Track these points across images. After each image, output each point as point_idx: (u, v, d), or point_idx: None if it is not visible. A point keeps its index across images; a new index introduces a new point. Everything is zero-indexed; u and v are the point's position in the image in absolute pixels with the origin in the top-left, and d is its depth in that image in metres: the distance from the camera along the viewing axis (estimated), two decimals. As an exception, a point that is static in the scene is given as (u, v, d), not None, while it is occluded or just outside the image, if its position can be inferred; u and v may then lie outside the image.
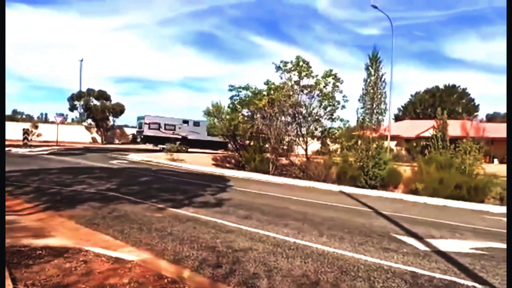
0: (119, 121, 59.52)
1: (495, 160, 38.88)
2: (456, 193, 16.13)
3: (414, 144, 40.47)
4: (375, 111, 20.02)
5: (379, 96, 20.04)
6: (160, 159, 27.04)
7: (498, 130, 40.07)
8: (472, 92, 68.81)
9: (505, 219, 12.27)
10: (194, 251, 5.95)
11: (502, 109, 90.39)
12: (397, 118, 64.69)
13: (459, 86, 67.68)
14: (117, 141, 57.93)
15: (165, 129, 40.67)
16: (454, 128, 31.50)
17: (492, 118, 67.75)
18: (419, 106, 65.82)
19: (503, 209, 14.19)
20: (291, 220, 9.03)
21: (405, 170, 20.16)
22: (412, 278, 5.29)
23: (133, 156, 28.82)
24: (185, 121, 42.20)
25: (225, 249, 6.14)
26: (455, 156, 19.11)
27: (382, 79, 20.27)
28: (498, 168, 23.78)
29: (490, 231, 9.81)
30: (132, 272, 4.78)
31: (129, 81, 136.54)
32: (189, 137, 41.47)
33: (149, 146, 41.53)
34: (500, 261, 6.47)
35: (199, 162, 25.73)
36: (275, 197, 13.42)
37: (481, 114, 66.39)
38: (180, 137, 40.39)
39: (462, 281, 5.29)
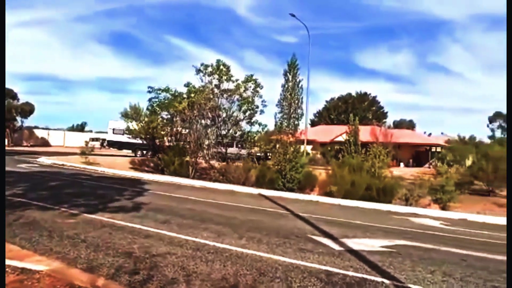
0: (29, 122, 55.80)
1: (401, 164, 41.77)
2: (367, 195, 17.09)
3: (329, 148, 42.27)
4: (292, 116, 20.67)
5: (296, 102, 20.73)
6: (74, 162, 25.64)
7: (404, 136, 43.16)
8: (381, 100, 73.55)
9: (411, 218, 13.23)
10: (109, 257, 5.70)
11: (407, 116, 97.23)
12: (313, 123, 67.22)
13: (369, 94, 72.01)
14: (25, 143, 54.11)
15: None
16: (365, 133, 33.45)
17: (399, 124, 72.88)
18: (334, 112, 68.98)
19: (409, 209, 15.29)
20: (211, 223, 8.99)
21: (321, 173, 21.00)
22: (327, 276, 5.49)
23: (44, 160, 27.05)
24: None
25: (143, 255, 5.96)
26: (366, 160, 20.26)
27: (299, 85, 21.02)
28: (404, 171, 25.62)
29: (397, 229, 10.51)
30: (41, 283, 4.45)
31: (39, 80, 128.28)
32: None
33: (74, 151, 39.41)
34: (405, 258, 6.94)
35: (116, 166, 24.77)
36: (195, 200, 13.30)
37: (389, 120, 71.12)
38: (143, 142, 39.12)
39: (372, 278, 5.58)
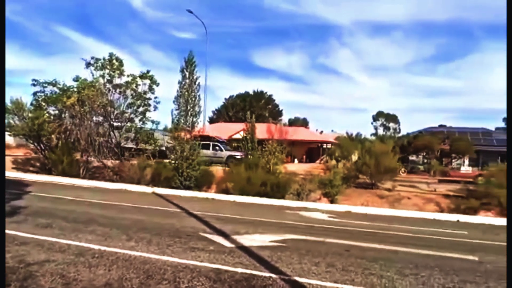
0: None
1: (295, 160, 43.56)
2: (262, 191, 17.52)
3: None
4: (189, 113, 20.43)
5: (194, 99, 20.53)
6: None
7: (298, 133, 44.99)
8: (277, 98, 76.02)
9: (301, 212, 13.81)
10: (-28, 271, 5.09)
11: (302, 114, 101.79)
12: (212, 121, 67.32)
13: (266, 93, 74.01)
14: None
15: None
16: (262, 131, 34.22)
17: (293, 122, 75.91)
18: (232, 110, 69.75)
19: (300, 204, 15.97)
20: (98, 226, 8.51)
21: (218, 170, 21.06)
22: (216, 275, 5.47)
23: None
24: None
25: (16, 264, 5.41)
26: (262, 157, 20.75)
27: (197, 82, 20.83)
28: (297, 167, 26.71)
29: (288, 224, 10.90)
30: None
31: None
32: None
33: None
34: (294, 251, 7.19)
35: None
36: (83, 202, 12.52)
37: (285, 118, 73.82)
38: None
39: (260, 273, 5.67)
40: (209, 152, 27.04)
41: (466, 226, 13.16)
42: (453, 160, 39.82)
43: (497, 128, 63.95)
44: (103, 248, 6.60)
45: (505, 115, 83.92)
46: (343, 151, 28.55)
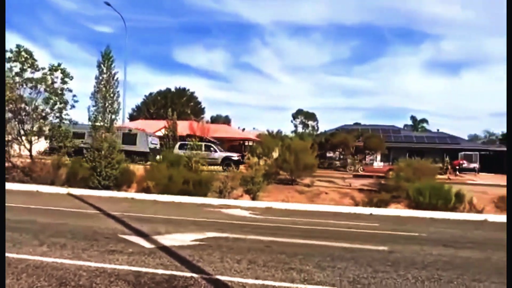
0: None
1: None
2: (185, 189, 17.31)
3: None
4: (108, 110, 19.60)
5: (112, 95, 19.72)
6: None
7: (220, 131, 45.10)
8: (199, 95, 75.53)
9: (223, 210, 13.87)
10: None
11: (224, 111, 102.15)
12: (132, 118, 65.30)
13: (188, 90, 73.26)
14: None
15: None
16: (184, 128, 33.85)
17: (215, 119, 75.95)
18: (153, 107, 68.18)
19: (222, 201, 16.05)
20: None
21: (138, 169, 20.48)
22: (136, 278, 5.30)
23: None
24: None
25: None
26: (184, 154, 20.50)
27: (115, 78, 20.01)
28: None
29: (209, 222, 10.88)
30: None
31: None
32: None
33: None
34: (215, 249, 7.18)
35: None
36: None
37: (207, 115, 73.56)
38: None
39: (182, 274, 5.59)
40: (203, 153, 23.69)
41: (378, 218, 14.00)
42: (367, 156, 42.10)
43: (405, 126, 68.80)
44: (11, 255, 6.11)
45: (412, 114, 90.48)
46: (264, 148, 29.05)
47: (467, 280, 5.94)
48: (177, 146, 27.79)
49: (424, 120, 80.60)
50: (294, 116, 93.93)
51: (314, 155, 23.30)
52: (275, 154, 27.48)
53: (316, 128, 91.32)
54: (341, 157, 42.98)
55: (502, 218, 14.59)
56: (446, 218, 14.60)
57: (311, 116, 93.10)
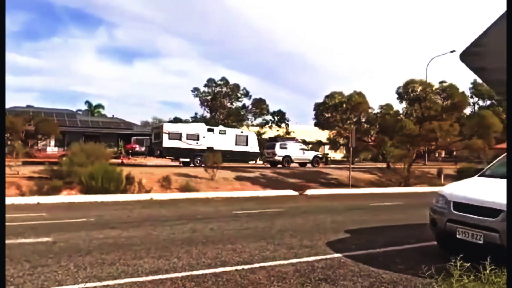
0: None
1: None
2: None
3: None
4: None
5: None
6: None
7: None
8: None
9: None
10: None
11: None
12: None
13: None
14: None
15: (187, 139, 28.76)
16: None
17: None
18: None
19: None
20: None
21: None
22: None
23: None
24: (210, 129, 31.12)
25: None
26: None
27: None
28: None
29: None
30: None
31: None
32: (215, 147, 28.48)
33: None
34: None
35: None
36: None
37: None
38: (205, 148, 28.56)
39: None
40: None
41: (46, 207, 13.14)
42: (39, 141, 39.27)
43: (79, 110, 67.48)
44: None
45: (88, 99, 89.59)
46: None
47: (129, 259, 6.26)
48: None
49: (100, 106, 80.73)
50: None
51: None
52: None
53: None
54: (9, 143, 38.48)
55: (165, 195, 16.30)
56: (116, 200, 15.09)
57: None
